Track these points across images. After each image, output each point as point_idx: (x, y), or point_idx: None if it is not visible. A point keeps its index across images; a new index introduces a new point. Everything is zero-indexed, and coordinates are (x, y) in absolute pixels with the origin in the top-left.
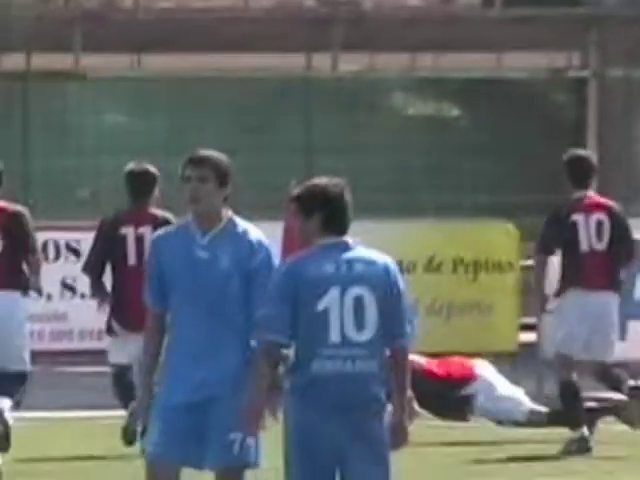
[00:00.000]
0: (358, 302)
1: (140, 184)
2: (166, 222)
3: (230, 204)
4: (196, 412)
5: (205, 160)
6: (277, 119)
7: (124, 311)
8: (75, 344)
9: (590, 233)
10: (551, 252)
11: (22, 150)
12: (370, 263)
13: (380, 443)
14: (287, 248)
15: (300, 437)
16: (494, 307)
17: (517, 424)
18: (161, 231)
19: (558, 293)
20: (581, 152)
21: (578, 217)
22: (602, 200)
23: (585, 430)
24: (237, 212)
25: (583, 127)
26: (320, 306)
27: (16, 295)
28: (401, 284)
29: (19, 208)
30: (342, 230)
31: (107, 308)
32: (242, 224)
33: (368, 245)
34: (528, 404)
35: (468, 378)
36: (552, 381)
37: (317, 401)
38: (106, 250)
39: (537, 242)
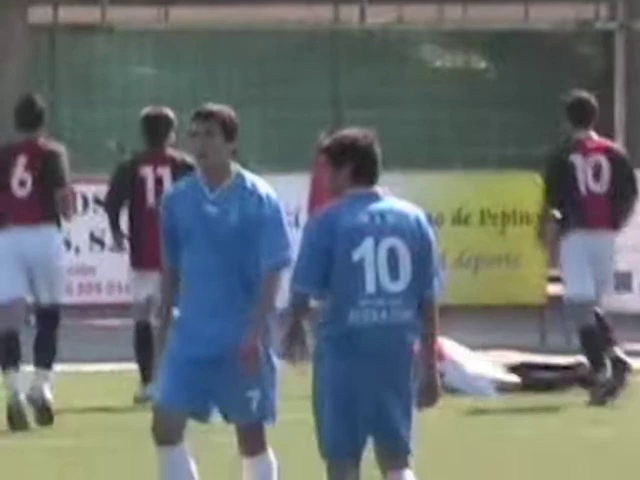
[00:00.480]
0: (392, 253)
1: (156, 127)
2: (184, 163)
3: (257, 157)
4: (208, 366)
5: (211, 114)
6: (305, 72)
7: (141, 250)
8: (103, 297)
9: (587, 175)
10: (556, 204)
11: (49, 103)
12: (402, 214)
13: (408, 393)
14: (315, 200)
15: (336, 386)
16: (522, 259)
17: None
18: (171, 188)
19: (558, 235)
20: (582, 94)
21: (576, 159)
22: (602, 141)
23: (609, 372)
24: (264, 164)
25: (611, 79)
26: (355, 256)
27: (52, 229)
28: (431, 236)
29: (56, 146)
30: (372, 180)
31: (126, 246)
32: (250, 178)
33: (396, 197)
34: (497, 376)
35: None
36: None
37: (354, 350)
38: (125, 190)
39: (543, 193)
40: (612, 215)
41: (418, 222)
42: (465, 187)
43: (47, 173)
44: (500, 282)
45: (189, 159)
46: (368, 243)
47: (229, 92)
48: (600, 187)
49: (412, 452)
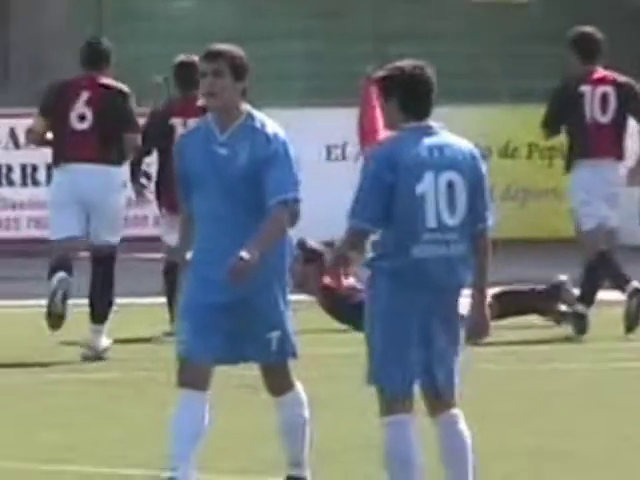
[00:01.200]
0: (450, 187)
1: (189, 74)
2: None
3: (301, 90)
4: (224, 311)
5: (220, 54)
6: (349, 5)
7: (170, 196)
8: (150, 230)
9: (594, 105)
10: (556, 131)
11: (93, 37)
12: (458, 148)
13: (457, 327)
14: (366, 134)
15: (390, 317)
16: None
17: None
18: (184, 131)
19: (567, 167)
20: (587, 28)
21: (585, 89)
22: (609, 73)
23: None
24: (308, 98)
25: None
26: (417, 191)
27: (111, 169)
28: (484, 170)
29: (122, 86)
30: (423, 112)
31: (148, 196)
32: (260, 118)
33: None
34: None
35: None
36: (629, 268)
37: (414, 283)
38: (155, 139)
39: (542, 118)
40: (617, 146)
41: (472, 156)
42: (512, 120)
43: (113, 113)
44: (547, 215)
45: None
46: (429, 177)
47: (273, 25)
48: (606, 118)
49: (457, 384)
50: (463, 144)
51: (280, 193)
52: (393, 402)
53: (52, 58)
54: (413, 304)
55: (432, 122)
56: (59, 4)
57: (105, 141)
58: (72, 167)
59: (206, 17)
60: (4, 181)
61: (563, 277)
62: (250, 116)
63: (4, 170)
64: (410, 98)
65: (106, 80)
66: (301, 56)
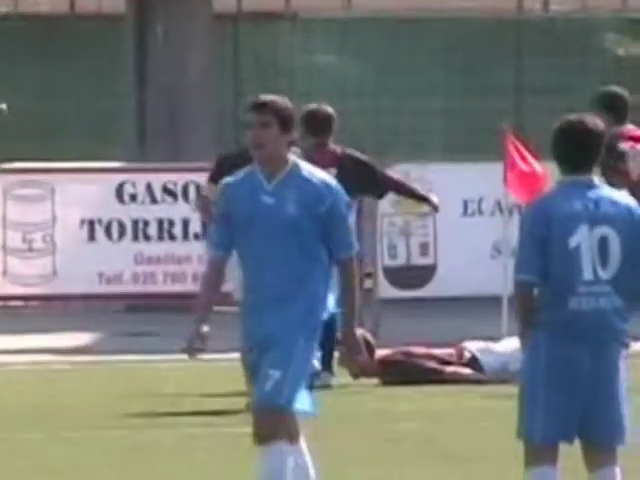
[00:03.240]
0: (603, 241)
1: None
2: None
3: (440, 145)
4: (260, 351)
5: (267, 105)
6: (487, 61)
7: None
8: None
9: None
10: None
11: (234, 92)
12: (615, 203)
13: (619, 381)
14: (518, 189)
15: (551, 370)
16: None
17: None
18: (230, 178)
19: None
20: (616, 89)
21: (625, 147)
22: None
23: None
24: (447, 152)
25: None
26: (572, 243)
27: None
28: None
29: (361, 155)
30: (581, 167)
31: None
32: (307, 168)
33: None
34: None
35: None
36: None
37: (572, 336)
38: None
39: None
40: None
41: (630, 212)
42: None
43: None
44: None
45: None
46: (583, 230)
47: (413, 80)
48: None
49: (623, 443)
50: (621, 199)
51: (349, 247)
52: (540, 453)
53: (189, 114)
54: (569, 356)
55: (592, 176)
56: (198, 60)
57: None
58: None
59: (345, 72)
60: (141, 236)
61: None
62: (297, 166)
63: (141, 225)
64: (565, 152)
65: (333, 147)
66: (441, 110)
